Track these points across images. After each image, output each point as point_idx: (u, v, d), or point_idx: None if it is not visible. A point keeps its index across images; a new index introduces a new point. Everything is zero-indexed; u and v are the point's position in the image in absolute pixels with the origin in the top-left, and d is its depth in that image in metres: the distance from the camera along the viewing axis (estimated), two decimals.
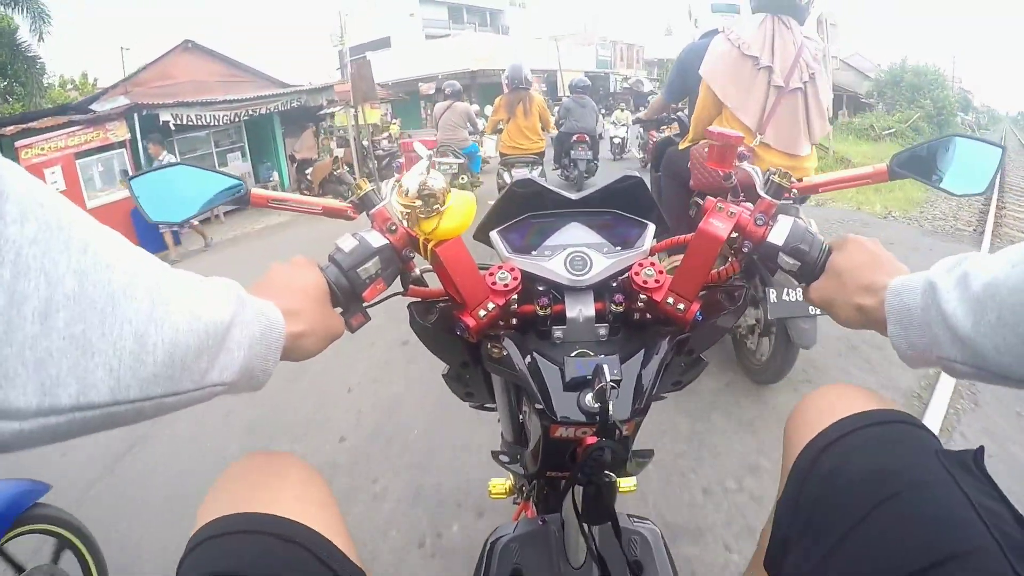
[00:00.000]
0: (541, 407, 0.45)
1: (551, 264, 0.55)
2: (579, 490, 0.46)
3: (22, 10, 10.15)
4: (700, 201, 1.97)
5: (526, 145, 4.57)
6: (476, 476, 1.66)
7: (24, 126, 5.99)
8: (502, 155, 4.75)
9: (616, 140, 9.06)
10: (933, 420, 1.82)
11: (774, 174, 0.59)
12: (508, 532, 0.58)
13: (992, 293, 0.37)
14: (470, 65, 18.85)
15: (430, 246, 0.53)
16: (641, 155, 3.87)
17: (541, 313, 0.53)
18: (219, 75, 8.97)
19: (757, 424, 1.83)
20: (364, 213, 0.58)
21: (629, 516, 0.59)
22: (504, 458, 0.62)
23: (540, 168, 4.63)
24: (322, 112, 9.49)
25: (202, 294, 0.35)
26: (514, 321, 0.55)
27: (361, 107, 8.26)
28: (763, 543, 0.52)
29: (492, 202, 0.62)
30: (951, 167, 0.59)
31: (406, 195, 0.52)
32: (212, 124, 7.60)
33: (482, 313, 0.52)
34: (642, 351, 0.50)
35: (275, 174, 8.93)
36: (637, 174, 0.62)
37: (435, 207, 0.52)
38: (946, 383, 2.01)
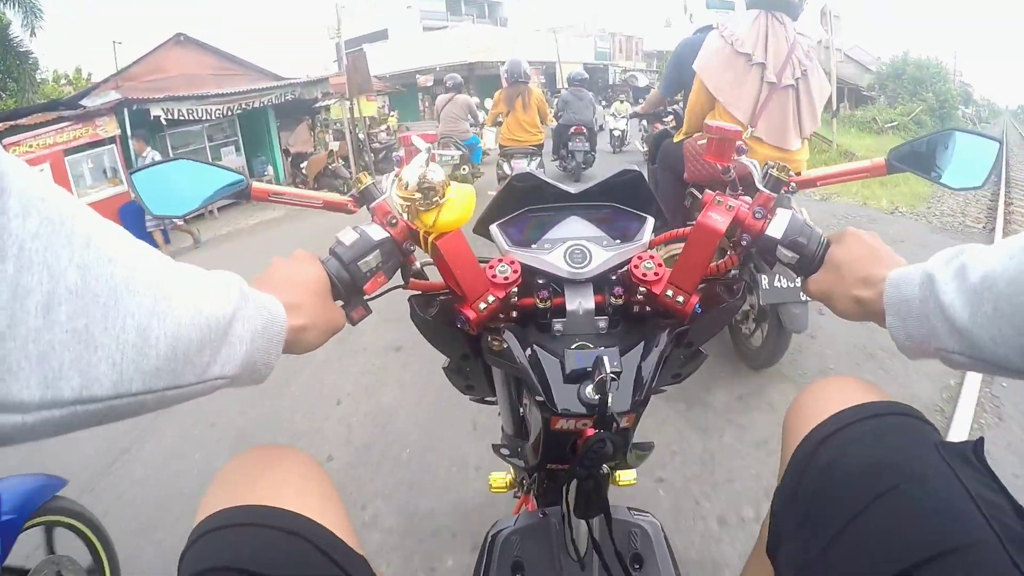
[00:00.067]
0: (542, 399, 0.46)
1: (551, 257, 0.55)
2: (573, 483, 0.46)
3: (13, 5, 10.05)
4: (695, 192, 2.03)
5: (525, 137, 4.67)
6: (473, 500, 1.54)
7: (12, 123, 5.88)
8: (502, 147, 4.82)
9: (616, 133, 8.98)
10: (957, 437, 1.72)
11: (772, 168, 0.59)
12: (509, 525, 0.58)
13: (989, 285, 0.37)
14: (468, 57, 18.71)
15: (430, 239, 0.53)
16: (645, 148, 3.85)
17: (541, 306, 0.53)
18: (212, 68, 8.80)
19: (773, 443, 1.71)
20: (364, 207, 0.58)
21: (629, 509, 0.59)
22: (505, 451, 0.62)
23: (539, 159, 4.68)
24: (317, 105, 9.37)
25: (204, 288, 0.35)
26: (514, 314, 0.55)
27: (356, 99, 8.19)
28: (764, 533, 0.53)
29: (492, 192, 0.62)
30: (949, 161, 0.59)
31: (406, 188, 0.52)
32: (204, 118, 7.47)
33: (482, 306, 0.52)
34: (642, 343, 0.50)
35: (270, 168, 8.82)
36: (636, 168, 0.62)
37: (435, 200, 0.52)
38: (968, 396, 1.91)
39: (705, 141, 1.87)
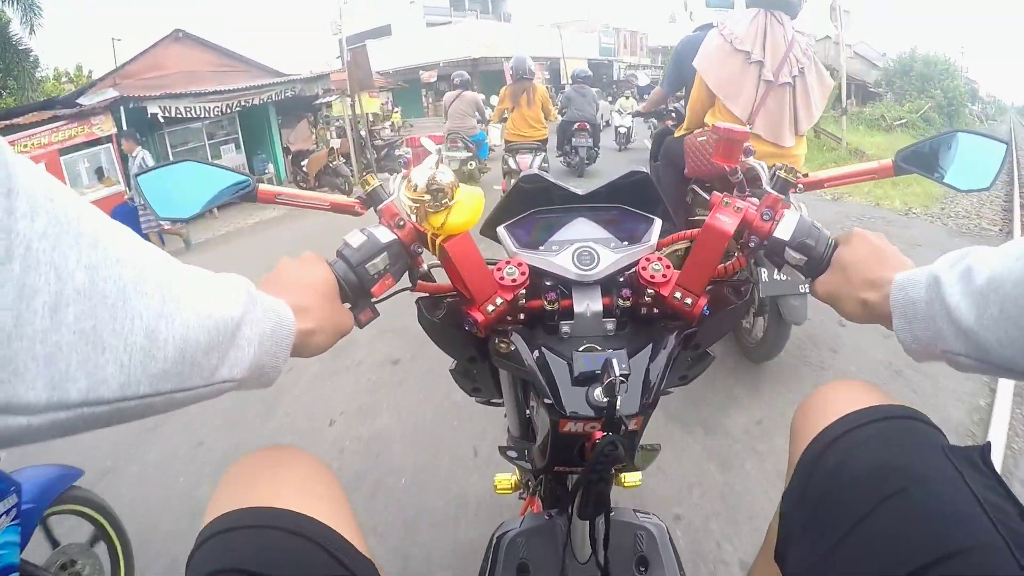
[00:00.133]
0: (550, 402, 0.46)
1: (559, 259, 0.55)
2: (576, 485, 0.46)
3: (12, 3, 10.06)
4: (697, 189, 2.07)
5: (530, 133, 4.76)
6: (473, 542, 1.39)
7: (8, 122, 5.80)
8: (507, 142, 4.90)
9: (622, 130, 8.92)
10: None
11: (780, 169, 0.59)
12: (515, 527, 0.58)
13: (996, 287, 0.37)
14: (472, 53, 18.63)
15: (438, 241, 0.53)
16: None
17: (549, 308, 0.53)
18: (212, 65, 8.74)
19: None
20: (372, 208, 0.58)
21: (635, 511, 0.59)
22: (512, 453, 0.62)
23: (543, 155, 4.77)
24: (318, 101, 9.29)
25: (213, 290, 0.35)
26: (522, 316, 0.55)
27: (358, 96, 8.13)
28: (771, 537, 0.53)
29: (498, 187, 0.62)
30: (956, 163, 0.59)
31: (414, 190, 0.52)
32: (203, 116, 7.36)
33: (490, 308, 0.52)
34: (650, 346, 0.50)
35: (270, 166, 8.72)
36: (644, 169, 0.62)
37: (444, 202, 0.52)
38: (1000, 419, 1.80)
39: (705, 138, 1.92)
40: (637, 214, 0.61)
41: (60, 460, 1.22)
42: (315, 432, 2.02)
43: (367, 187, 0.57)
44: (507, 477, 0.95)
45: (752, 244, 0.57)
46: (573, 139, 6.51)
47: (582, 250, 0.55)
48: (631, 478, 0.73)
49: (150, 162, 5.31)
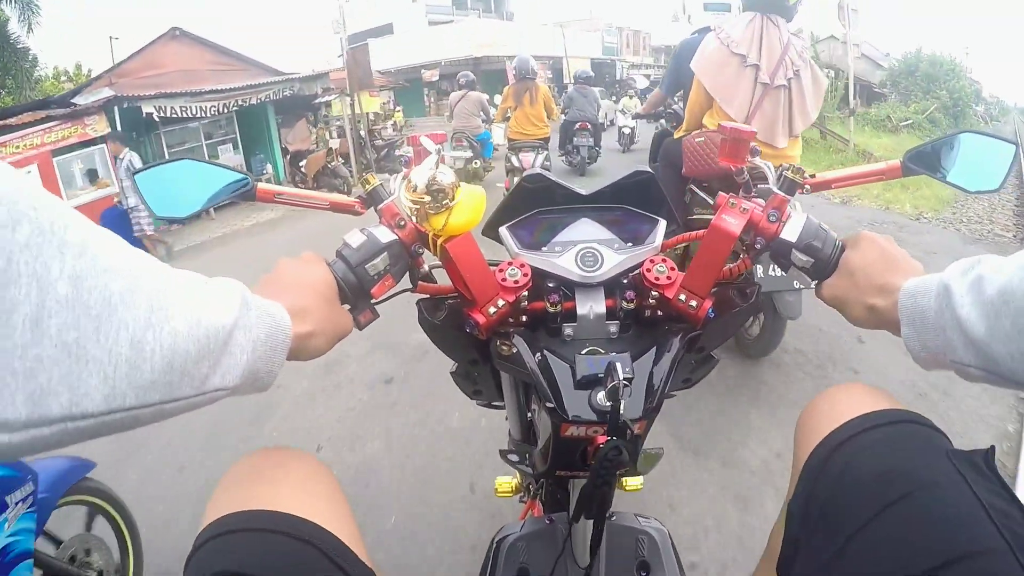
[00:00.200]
0: (552, 405, 0.45)
1: (562, 260, 0.54)
2: (577, 489, 0.45)
3: (10, 2, 10.07)
4: (695, 188, 2.11)
5: (532, 131, 4.85)
6: None
7: (1, 122, 5.69)
8: (510, 140, 4.99)
9: (626, 131, 8.94)
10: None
11: (787, 169, 0.58)
12: (515, 531, 0.58)
13: (1007, 299, 0.36)
14: (474, 52, 18.60)
15: (439, 242, 0.53)
16: None
17: (551, 310, 0.53)
18: (210, 64, 8.58)
19: None
20: (372, 208, 0.57)
21: (636, 515, 0.59)
22: (513, 457, 0.62)
23: (546, 153, 4.85)
24: (317, 101, 9.20)
25: (204, 297, 0.34)
26: (524, 318, 0.54)
27: (357, 95, 8.10)
28: (773, 543, 0.52)
29: (500, 184, 0.61)
30: (964, 163, 0.59)
31: (415, 190, 0.51)
32: (199, 116, 7.24)
33: (492, 310, 0.51)
34: (653, 349, 0.49)
35: (269, 167, 8.62)
36: (648, 169, 0.61)
37: (444, 202, 0.51)
38: None
39: (703, 139, 1.94)
40: (641, 215, 0.60)
41: None
42: None
43: (367, 187, 0.56)
44: (508, 480, 0.94)
45: (758, 246, 0.57)
46: (575, 138, 6.71)
47: (585, 251, 0.55)
48: (632, 482, 0.72)
49: (138, 164, 5.20)
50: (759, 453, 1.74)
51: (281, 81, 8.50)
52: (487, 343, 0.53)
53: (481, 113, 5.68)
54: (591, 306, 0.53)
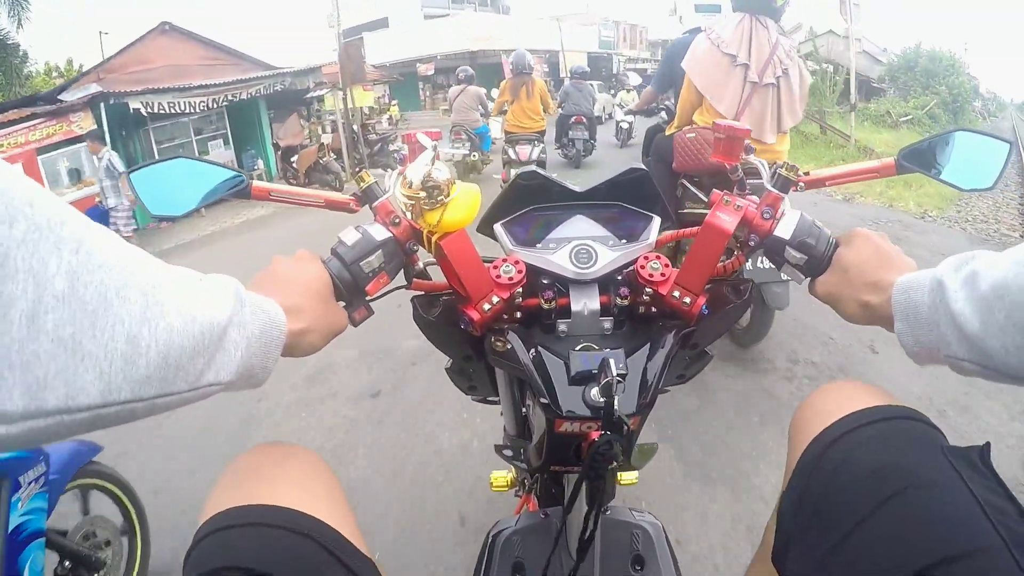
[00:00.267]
0: (546, 401, 0.45)
1: (556, 257, 0.55)
2: (571, 483, 0.46)
3: None
4: (686, 183, 2.16)
5: (529, 125, 4.93)
6: None
7: None
8: (507, 133, 5.06)
9: (624, 126, 8.95)
10: None
11: (781, 167, 0.58)
12: (510, 525, 0.58)
13: (1000, 294, 0.37)
14: (469, 46, 18.48)
15: (434, 239, 0.53)
16: None
17: (546, 306, 0.53)
18: (200, 59, 8.41)
19: None
20: (367, 205, 0.57)
21: (631, 509, 0.59)
22: (508, 452, 0.62)
23: (542, 145, 4.91)
24: (309, 95, 9.06)
25: (199, 293, 0.34)
26: (518, 315, 0.54)
27: (350, 89, 8.00)
28: (767, 538, 0.52)
29: (498, 176, 0.61)
30: (959, 162, 0.59)
31: (410, 187, 0.51)
32: (188, 112, 7.07)
33: (486, 307, 0.51)
34: (647, 345, 0.50)
35: (260, 162, 8.46)
36: (643, 166, 0.61)
37: (439, 199, 0.51)
38: None
39: (694, 135, 1.98)
40: (636, 212, 0.61)
41: None
42: None
43: (362, 184, 0.56)
44: (503, 474, 0.95)
45: (752, 243, 0.57)
46: (570, 132, 6.82)
47: (580, 248, 0.55)
48: (627, 476, 0.72)
49: (117, 163, 5.12)
50: (771, 479, 1.59)
51: (272, 76, 8.32)
52: (482, 339, 0.54)
53: (480, 107, 5.78)
54: (585, 303, 0.53)
